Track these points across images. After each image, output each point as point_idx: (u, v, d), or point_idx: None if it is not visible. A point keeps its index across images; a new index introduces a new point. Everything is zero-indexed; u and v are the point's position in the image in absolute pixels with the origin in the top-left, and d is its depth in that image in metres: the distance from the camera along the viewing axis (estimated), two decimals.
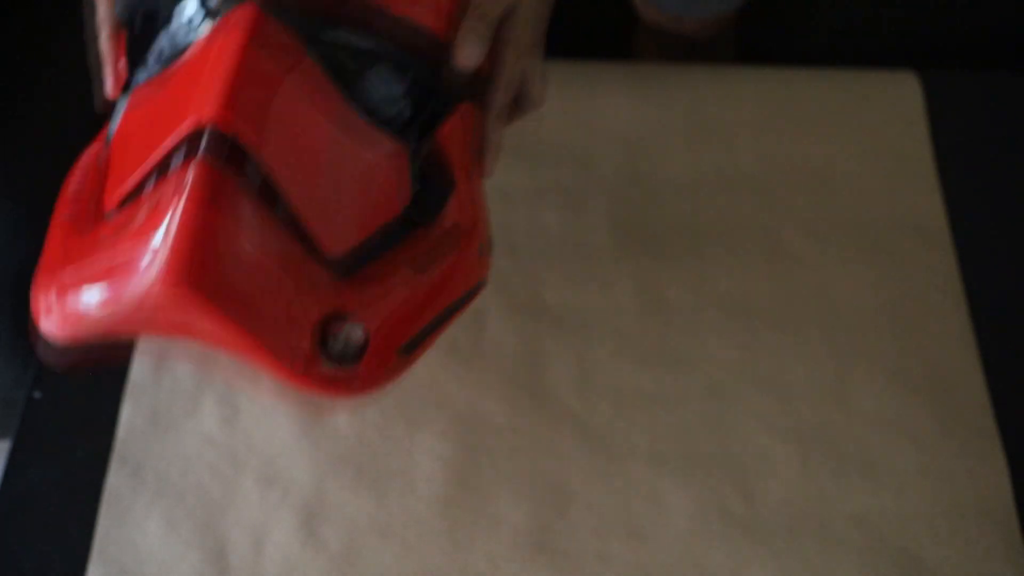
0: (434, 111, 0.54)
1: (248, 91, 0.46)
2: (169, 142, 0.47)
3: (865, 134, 0.82)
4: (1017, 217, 0.78)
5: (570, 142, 0.82)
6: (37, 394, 0.69)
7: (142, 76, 0.54)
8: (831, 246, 0.77)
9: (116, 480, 0.66)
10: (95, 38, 0.58)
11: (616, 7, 1.01)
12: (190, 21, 0.51)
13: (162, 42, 0.53)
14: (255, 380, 0.63)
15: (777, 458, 0.68)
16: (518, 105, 0.60)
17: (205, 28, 0.50)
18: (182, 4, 0.52)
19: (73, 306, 0.47)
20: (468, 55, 0.52)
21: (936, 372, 0.71)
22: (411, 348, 0.53)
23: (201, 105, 0.46)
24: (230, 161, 0.45)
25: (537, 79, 0.58)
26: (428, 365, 0.71)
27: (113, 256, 0.46)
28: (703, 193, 0.79)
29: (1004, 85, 0.84)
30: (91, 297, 0.46)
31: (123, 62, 0.57)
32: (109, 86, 0.58)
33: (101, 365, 0.51)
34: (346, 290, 0.50)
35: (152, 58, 0.54)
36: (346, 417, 0.69)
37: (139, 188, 0.48)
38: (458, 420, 0.69)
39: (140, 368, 0.70)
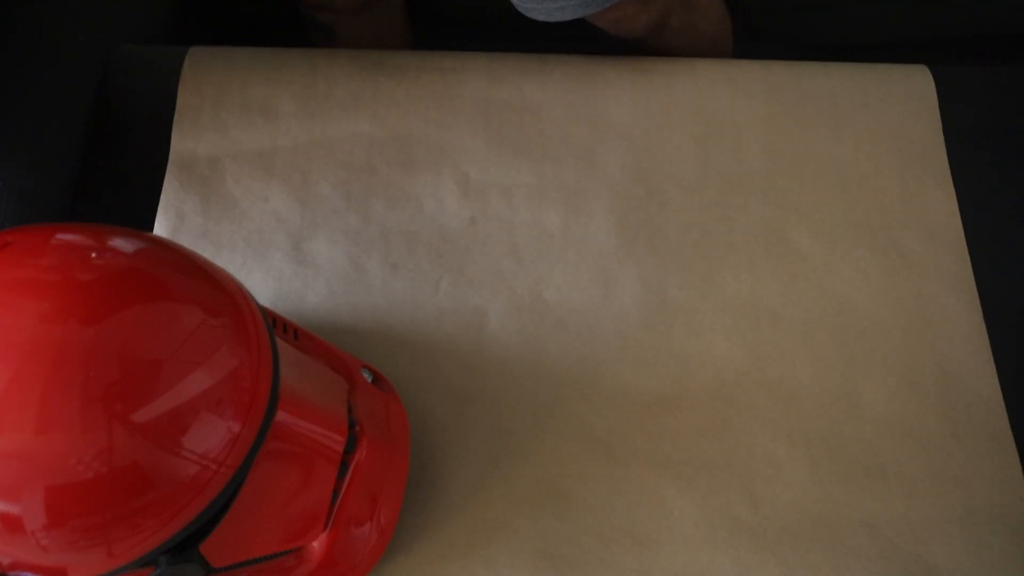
0: None
1: None
2: None
3: (876, 130, 0.80)
4: None
5: (573, 139, 0.80)
6: None
7: None
8: (840, 245, 0.75)
9: None
10: None
11: None
12: None
13: None
14: None
15: (784, 463, 0.66)
16: None
17: None
18: None
19: None
20: None
21: (948, 375, 0.70)
22: None
23: None
24: None
25: None
26: (429, 366, 0.70)
27: None
28: (709, 191, 0.78)
29: (1018, 80, 0.83)
30: None
31: None
32: None
33: None
34: None
35: None
36: None
37: None
38: (457, 423, 0.68)
39: None
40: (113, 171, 0.80)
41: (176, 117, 0.81)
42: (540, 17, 0.76)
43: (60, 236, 0.49)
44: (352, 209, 0.77)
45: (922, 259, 0.75)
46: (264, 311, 0.55)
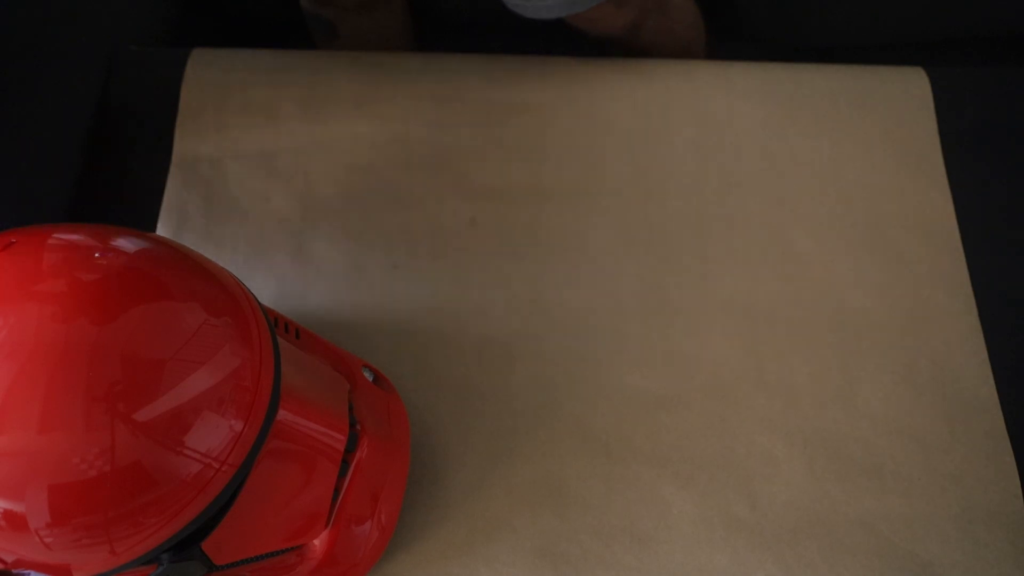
0: None
1: None
2: None
3: (872, 131, 0.81)
4: None
5: (573, 140, 0.81)
6: None
7: None
8: (838, 245, 0.76)
9: None
10: None
11: None
12: None
13: None
14: None
15: (782, 461, 0.67)
16: None
17: None
18: None
19: None
20: None
21: (944, 373, 0.70)
22: None
23: None
24: None
25: None
26: (429, 366, 0.71)
27: None
28: (708, 192, 0.78)
29: (1013, 81, 0.83)
30: None
31: None
32: None
33: None
34: None
35: None
36: None
37: None
38: (457, 422, 0.69)
39: None
40: (116, 172, 0.80)
41: (179, 118, 0.81)
42: (528, 14, 0.77)
43: (63, 236, 0.49)
44: (353, 209, 0.77)
45: (918, 259, 0.75)
46: (266, 310, 0.55)
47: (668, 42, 0.88)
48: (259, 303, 0.54)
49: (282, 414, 0.53)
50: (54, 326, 0.44)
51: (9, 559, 0.46)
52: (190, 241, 0.76)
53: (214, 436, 0.47)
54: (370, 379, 0.67)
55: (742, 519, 0.65)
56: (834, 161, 0.79)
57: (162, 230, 0.76)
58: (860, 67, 0.84)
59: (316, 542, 0.59)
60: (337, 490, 0.59)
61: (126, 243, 0.50)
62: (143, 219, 0.77)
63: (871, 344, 0.71)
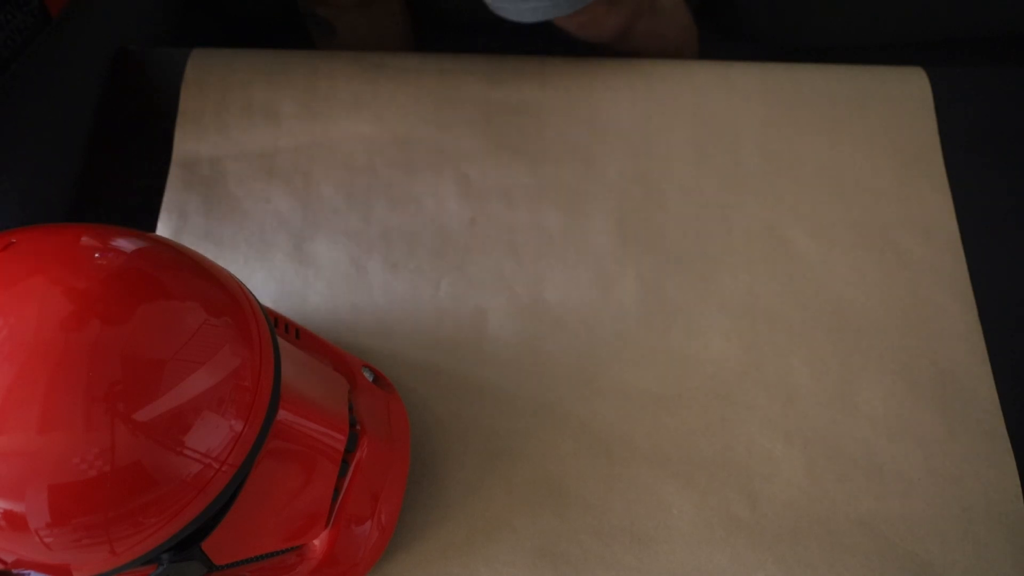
0: None
1: None
2: None
3: (872, 131, 0.81)
4: None
5: (572, 140, 0.81)
6: None
7: None
8: (837, 245, 0.76)
9: None
10: None
11: None
12: None
13: None
14: None
15: (782, 461, 0.67)
16: None
17: None
18: None
19: None
20: None
21: (944, 373, 0.70)
22: None
23: None
24: None
25: None
26: (429, 366, 0.71)
27: None
28: (707, 192, 0.78)
29: (1013, 81, 0.83)
30: None
31: None
32: None
33: None
34: None
35: None
36: None
37: None
38: (457, 422, 0.69)
39: None
40: (116, 172, 0.80)
41: (179, 118, 0.81)
42: (511, 17, 0.75)
43: (63, 236, 0.49)
44: (353, 209, 0.77)
45: (918, 259, 0.75)
46: (266, 311, 0.55)
47: (659, 45, 0.87)
48: (259, 303, 0.54)
49: (282, 414, 0.53)
50: (54, 326, 0.44)
51: (9, 559, 0.46)
52: (190, 241, 0.76)
53: (214, 436, 0.47)
54: (370, 379, 0.67)
55: (742, 519, 0.65)
56: (834, 161, 0.79)
57: (162, 230, 0.76)
58: (860, 67, 0.84)
59: (316, 542, 0.59)
60: (337, 490, 0.59)
61: (126, 243, 0.50)
62: (143, 219, 0.77)
63: (871, 344, 0.71)
